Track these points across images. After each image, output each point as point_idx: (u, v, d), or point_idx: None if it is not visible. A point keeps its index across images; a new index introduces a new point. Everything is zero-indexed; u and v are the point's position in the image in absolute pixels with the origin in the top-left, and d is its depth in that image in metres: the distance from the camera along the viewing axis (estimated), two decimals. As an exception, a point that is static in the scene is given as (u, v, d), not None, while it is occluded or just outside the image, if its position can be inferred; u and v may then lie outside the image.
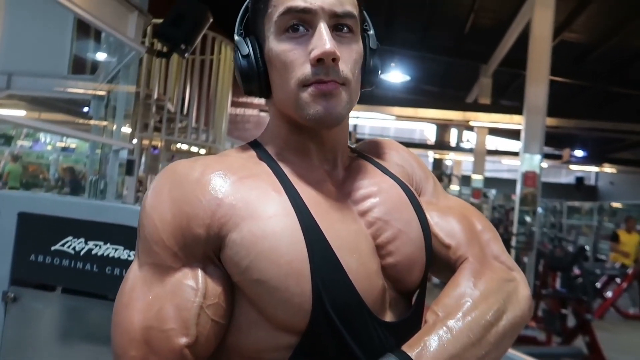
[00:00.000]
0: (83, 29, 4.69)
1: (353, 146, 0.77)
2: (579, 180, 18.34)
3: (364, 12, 0.67)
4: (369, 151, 0.75)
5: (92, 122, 4.75)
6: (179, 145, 6.83)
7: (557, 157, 14.24)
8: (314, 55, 0.58)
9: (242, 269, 0.55)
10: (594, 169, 16.76)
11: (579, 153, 14.31)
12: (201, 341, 0.55)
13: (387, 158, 0.74)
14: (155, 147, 6.60)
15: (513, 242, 6.31)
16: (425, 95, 13.18)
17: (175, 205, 0.57)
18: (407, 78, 8.65)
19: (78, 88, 5.12)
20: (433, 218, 0.70)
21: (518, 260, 6.08)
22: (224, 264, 0.57)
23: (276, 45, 0.61)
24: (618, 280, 6.58)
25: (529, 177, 5.72)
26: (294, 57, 0.60)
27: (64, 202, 1.10)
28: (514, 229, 6.33)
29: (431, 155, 16.07)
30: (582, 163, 15.13)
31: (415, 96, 12.29)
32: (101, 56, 4.97)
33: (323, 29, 0.59)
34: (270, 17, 0.62)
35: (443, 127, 15.87)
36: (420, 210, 0.68)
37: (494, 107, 10.33)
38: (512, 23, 7.53)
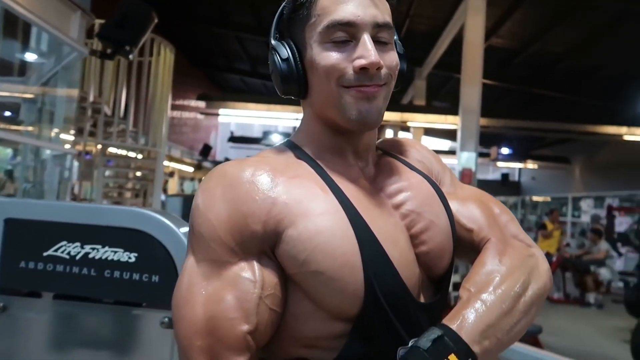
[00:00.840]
0: (9, 28, 4.42)
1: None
2: (505, 176, 19.49)
3: None
4: (391, 149, 0.80)
5: (21, 127, 4.48)
6: (113, 149, 6.58)
7: (486, 155, 15.08)
8: (361, 64, 0.63)
9: (300, 262, 0.60)
10: (518, 165, 17.86)
11: (505, 151, 15.23)
12: (261, 329, 0.59)
13: (408, 155, 0.80)
14: (87, 153, 6.32)
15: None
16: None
17: (231, 205, 0.61)
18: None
19: (3, 91, 4.81)
20: (454, 206, 0.75)
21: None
22: (280, 258, 0.61)
23: (320, 52, 0.65)
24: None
25: (466, 174, 6.04)
26: (336, 62, 0.64)
27: (54, 206, 1.08)
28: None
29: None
30: (507, 160, 16.10)
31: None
32: (31, 57, 4.70)
33: (367, 40, 0.63)
34: (313, 26, 0.65)
35: (379, 128, 16.26)
36: (445, 202, 0.74)
37: (430, 108, 10.78)
38: (445, 29, 7.92)
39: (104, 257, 1.02)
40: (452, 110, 7.97)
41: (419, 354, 0.56)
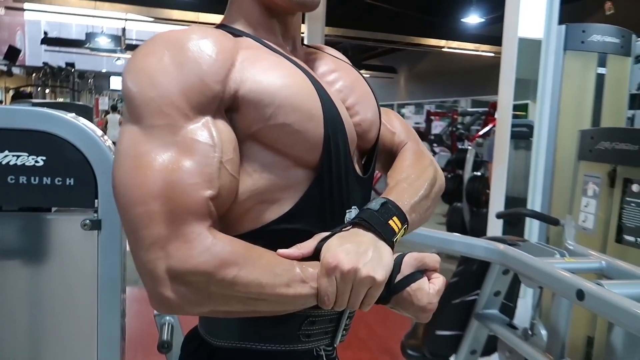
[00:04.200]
0: None
1: None
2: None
3: None
4: (315, 48, 0.85)
5: None
6: None
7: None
8: None
9: (268, 115, 0.61)
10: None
11: (341, 60, 15.83)
12: (223, 194, 0.59)
13: (329, 52, 0.86)
14: None
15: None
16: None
17: (185, 67, 0.59)
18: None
19: None
20: None
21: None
22: (241, 114, 0.62)
23: None
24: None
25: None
26: None
27: None
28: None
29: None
30: (342, 69, 16.79)
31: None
32: None
33: None
34: None
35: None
36: (370, 86, 0.83)
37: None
38: None
39: (4, 162, 0.94)
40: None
41: (371, 213, 0.66)
